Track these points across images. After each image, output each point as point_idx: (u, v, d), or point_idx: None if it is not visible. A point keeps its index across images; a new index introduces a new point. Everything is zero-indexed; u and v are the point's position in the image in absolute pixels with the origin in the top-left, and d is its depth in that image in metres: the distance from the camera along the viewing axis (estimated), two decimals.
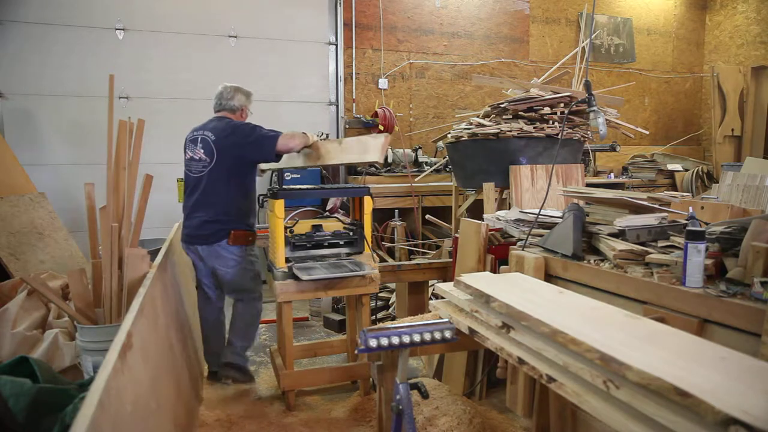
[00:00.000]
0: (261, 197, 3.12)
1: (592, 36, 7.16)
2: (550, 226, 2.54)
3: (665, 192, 2.54)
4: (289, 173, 4.99)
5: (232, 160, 3.00)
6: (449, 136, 4.03)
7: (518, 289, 1.88)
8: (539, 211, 2.60)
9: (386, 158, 5.86)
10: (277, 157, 3.01)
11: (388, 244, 5.12)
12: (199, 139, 3.08)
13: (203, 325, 3.24)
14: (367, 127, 6.00)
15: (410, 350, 1.77)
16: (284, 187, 2.97)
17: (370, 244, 3.02)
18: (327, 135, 5.64)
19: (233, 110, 3.19)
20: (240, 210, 3.07)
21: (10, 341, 2.76)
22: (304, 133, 3.05)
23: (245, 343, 3.20)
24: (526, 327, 1.56)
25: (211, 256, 3.05)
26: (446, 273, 3.37)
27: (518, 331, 1.60)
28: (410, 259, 4.75)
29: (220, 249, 3.02)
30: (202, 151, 3.05)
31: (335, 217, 3.54)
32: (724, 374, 1.14)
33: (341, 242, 3.03)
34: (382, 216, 5.22)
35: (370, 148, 2.75)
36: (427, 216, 4.57)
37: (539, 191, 3.50)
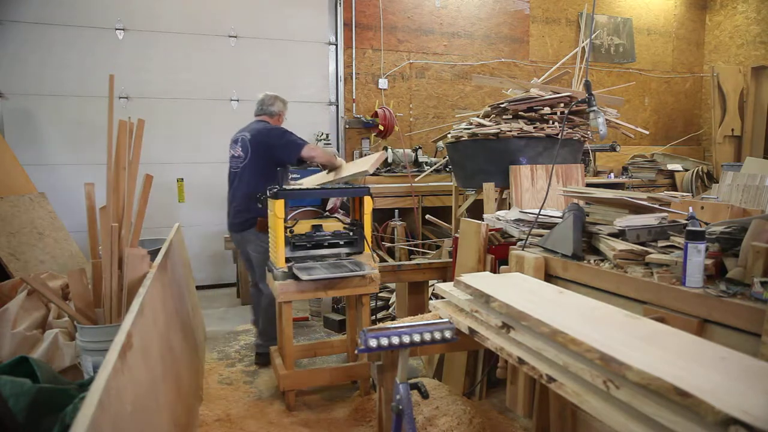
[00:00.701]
0: (261, 197, 3.13)
1: (592, 36, 7.16)
2: (550, 226, 2.54)
3: (665, 192, 2.54)
4: (289, 173, 5.01)
5: (262, 158, 3.37)
6: (449, 136, 4.03)
7: (518, 289, 1.88)
8: (539, 211, 2.60)
9: (386, 158, 5.86)
10: (299, 161, 3.41)
11: (388, 244, 5.12)
12: (239, 138, 3.47)
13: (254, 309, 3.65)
14: (367, 127, 6.01)
15: (410, 350, 1.77)
16: (284, 187, 2.97)
17: (370, 244, 3.03)
18: (327, 135, 5.65)
19: (272, 115, 3.59)
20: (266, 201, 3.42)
21: (10, 341, 2.76)
22: (335, 155, 3.53)
23: (267, 338, 3.48)
24: (526, 327, 1.56)
25: (245, 241, 3.47)
26: (446, 273, 3.37)
27: (518, 331, 1.60)
28: (410, 259, 4.75)
29: (251, 235, 3.40)
30: (240, 149, 3.44)
31: (335, 217, 3.54)
32: (724, 374, 1.14)
33: (341, 242, 3.03)
34: (382, 216, 5.22)
35: (366, 163, 3.31)
36: (427, 216, 4.57)
37: (539, 191, 3.50)
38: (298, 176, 4.38)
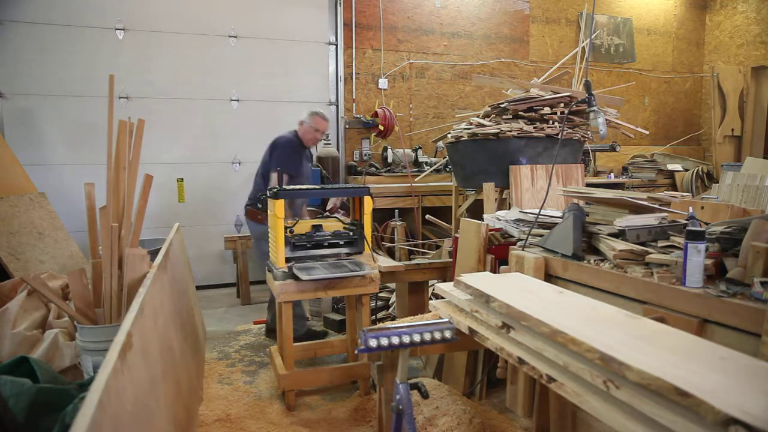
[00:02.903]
0: (261, 197, 3.13)
1: (592, 36, 7.16)
2: (550, 226, 2.54)
3: (665, 192, 2.54)
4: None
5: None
6: (449, 136, 4.03)
7: (518, 289, 1.88)
8: (539, 211, 2.60)
9: (386, 158, 5.86)
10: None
11: (388, 244, 5.12)
12: None
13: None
14: (367, 127, 6.01)
15: (410, 350, 1.77)
16: (284, 187, 2.97)
17: (370, 244, 3.03)
18: (327, 135, 5.64)
19: (300, 123, 3.97)
20: (258, 192, 3.79)
21: (10, 341, 2.76)
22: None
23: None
24: (526, 327, 1.56)
25: (248, 227, 4.06)
26: (446, 273, 3.37)
27: (518, 331, 1.60)
28: (410, 259, 4.75)
29: (248, 222, 4.00)
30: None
31: (335, 217, 3.54)
32: (724, 374, 1.13)
33: (341, 242, 3.03)
34: (382, 216, 5.22)
35: None
36: (427, 216, 4.57)
37: (539, 191, 3.50)
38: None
